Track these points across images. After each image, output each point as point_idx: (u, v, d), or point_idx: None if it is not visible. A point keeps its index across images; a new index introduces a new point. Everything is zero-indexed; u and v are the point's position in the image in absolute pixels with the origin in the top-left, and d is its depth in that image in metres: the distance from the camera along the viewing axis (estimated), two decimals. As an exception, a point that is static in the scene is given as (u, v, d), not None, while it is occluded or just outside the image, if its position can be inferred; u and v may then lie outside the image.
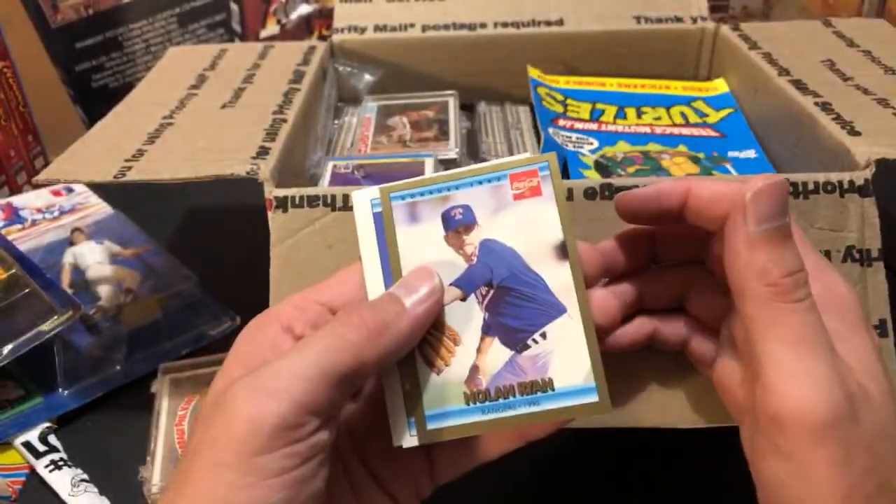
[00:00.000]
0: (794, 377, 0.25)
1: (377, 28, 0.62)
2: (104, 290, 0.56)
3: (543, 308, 0.30)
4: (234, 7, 0.87)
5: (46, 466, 0.46)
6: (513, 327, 0.30)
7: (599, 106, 0.58)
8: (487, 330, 0.30)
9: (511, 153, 0.55)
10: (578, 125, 0.56)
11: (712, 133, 0.54)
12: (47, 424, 0.49)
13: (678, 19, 0.62)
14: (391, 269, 0.30)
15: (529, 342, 0.30)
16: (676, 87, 0.60)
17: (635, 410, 0.36)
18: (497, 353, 0.29)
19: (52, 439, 0.48)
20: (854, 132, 0.42)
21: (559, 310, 0.30)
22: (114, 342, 0.53)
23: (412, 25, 0.62)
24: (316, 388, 0.25)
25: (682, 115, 0.57)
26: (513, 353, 0.30)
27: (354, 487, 0.30)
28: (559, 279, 0.30)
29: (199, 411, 0.27)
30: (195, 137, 0.46)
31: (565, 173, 0.50)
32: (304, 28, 0.91)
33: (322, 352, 0.26)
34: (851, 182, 0.38)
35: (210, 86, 0.54)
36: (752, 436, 0.28)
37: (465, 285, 0.30)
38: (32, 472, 0.47)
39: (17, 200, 0.68)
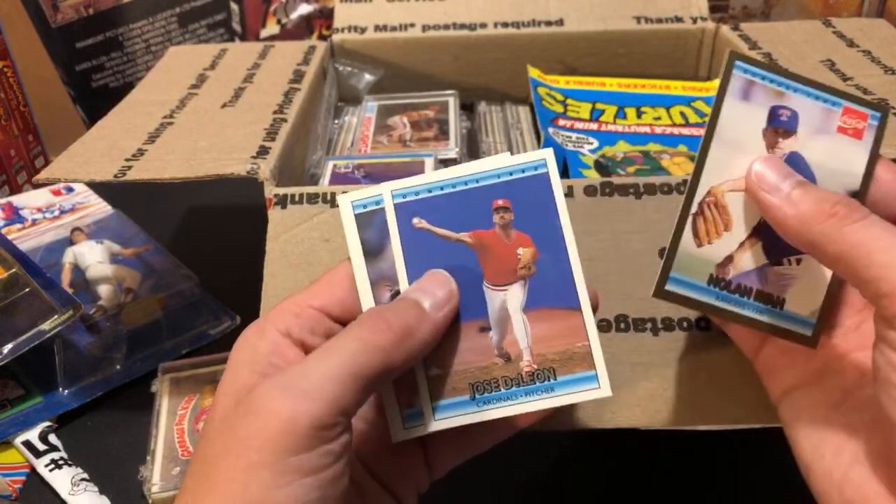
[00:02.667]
0: None
1: (377, 28, 0.63)
2: (104, 290, 0.56)
3: None
4: (234, 7, 0.87)
5: (47, 465, 0.46)
6: (779, 241, 0.30)
7: (599, 106, 0.58)
8: (757, 231, 0.31)
9: (511, 153, 0.55)
10: (578, 125, 0.56)
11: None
12: (47, 424, 0.49)
13: (678, 19, 0.62)
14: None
15: (784, 260, 0.31)
16: (676, 87, 0.60)
17: (637, 412, 0.36)
18: (754, 255, 0.31)
19: (53, 438, 0.48)
20: (854, 132, 0.42)
21: None
22: (114, 342, 0.53)
23: (412, 25, 0.62)
24: (346, 390, 0.25)
25: (682, 115, 0.57)
26: (767, 262, 0.31)
27: (359, 489, 0.30)
28: None
29: (211, 415, 0.27)
30: (195, 137, 0.46)
31: (565, 173, 0.50)
32: (305, 28, 0.91)
33: (352, 354, 0.26)
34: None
35: (210, 85, 0.54)
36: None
37: None
38: (33, 471, 0.47)
39: (17, 200, 0.68)
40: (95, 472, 0.46)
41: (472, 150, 0.57)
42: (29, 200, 0.68)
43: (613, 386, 0.30)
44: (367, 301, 0.30)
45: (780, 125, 0.31)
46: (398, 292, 0.30)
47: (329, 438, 0.25)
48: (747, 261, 0.31)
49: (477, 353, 0.30)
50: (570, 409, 0.36)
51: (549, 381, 0.29)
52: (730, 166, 0.30)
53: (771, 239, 0.31)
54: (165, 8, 0.82)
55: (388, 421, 0.29)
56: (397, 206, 0.30)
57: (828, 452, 0.29)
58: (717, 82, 0.59)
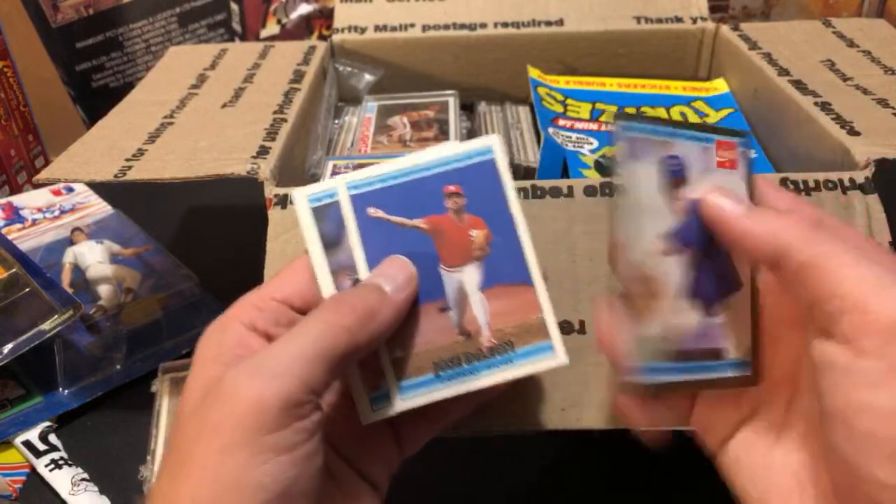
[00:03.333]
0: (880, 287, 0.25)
1: (377, 28, 0.62)
2: (104, 290, 0.56)
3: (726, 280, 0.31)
4: (234, 7, 0.87)
5: (47, 465, 0.46)
6: (704, 288, 0.30)
7: (599, 106, 0.58)
8: (682, 288, 0.30)
9: (511, 153, 0.55)
10: (578, 125, 0.56)
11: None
12: (48, 423, 0.49)
13: (678, 19, 0.62)
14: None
15: (714, 308, 0.31)
16: (676, 87, 0.60)
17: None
18: (689, 314, 0.30)
19: (53, 438, 0.48)
20: (854, 132, 0.42)
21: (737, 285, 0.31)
22: (114, 342, 0.53)
23: (412, 25, 0.62)
24: (313, 369, 0.26)
25: (682, 115, 0.57)
26: (701, 316, 0.30)
27: (332, 474, 0.31)
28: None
29: (180, 410, 0.27)
30: (195, 137, 0.46)
31: (565, 173, 0.50)
32: (304, 28, 0.91)
33: (318, 336, 0.27)
34: (852, 180, 0.38)
35: (210, 85, 0.54)
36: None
37: (674, 240, 0.30)
38: (33, 471, 0.47)
39: (17, 200, 0.68)
40: (95, 472, 0.46)
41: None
42: (29, 200, 0.68)
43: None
44: (328, 291, 0.30)
45: (673, 176, 0.30)
46: (358, 281, 0.30)
47: (300, 416, 0.26)
48: (687, 322, 0.30)
49: (438, 333, 0.30)
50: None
51: (508, 353, 0.31)
52: (642, 233, 0.30)
53: (697, 289, 0.30)
54: (165, 8, 0.82)
55: (356, 404, 0.30)
56: (353, 198, 0.31)
57: (776, 497, 0.28)
58: (717, 82, 0.59)
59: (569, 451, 0.46)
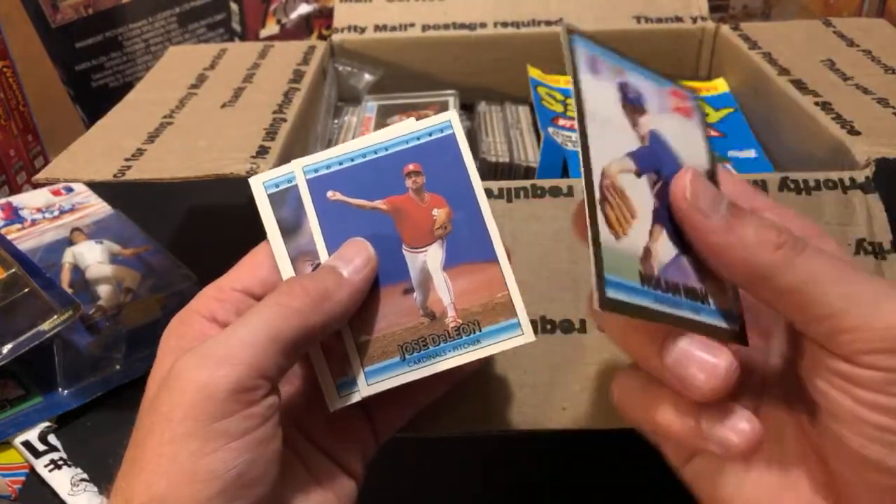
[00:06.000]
0: (871, 301, 0.24)
1: (377, 28, 0.62)
2: (104, 290, 0.56)
3: None
4: (234, 7, 0.87)
5: (46, 466, 0.46)
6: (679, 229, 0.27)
7: (599, 106, 0.58)
8: (657, 218, 0.27)
9: (511, 153, 0.55)
10: (578, 125, 0.55)
11: (712, 133, 0.54)
12: (47, 424, 0.49)
13: (678, 19, 0.62)
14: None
15: (692, 250, 0.27)
16: (676, 87, 0.60)
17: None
18: (666, 246, 0.27)
19: (52, 439, 0.48)
20: (854, 132, 0.42)
21: None
22: (113, 342, 0.53)
23: (412, 25, 0.62)
24: (265, 353, 0.26)
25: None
26: (678, 251, 0.27)
27: (304, 463, 0.31)
28: None
29: (141, 405, 0.27)
30: (195, 137, 0.46)
31: (565, 173, 0.50)
32: (304, 28, 0.91)
33: (268, 319, 0.26)
34: (853, 179, 0.38)
35: (210, 85, 0.54)
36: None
37: (640, 162, 0.28)
38: (32, 471, 0.47)
39: (16, 200, 0.68)
40: (95, 472, 0.46)
41: (472, 149, 0.57)
42: (28, 200, 0.68)
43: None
44: (288, 275, 0.30)
45: (632, 102, 0.29)
46: (318, 265, 0.30)
47: (251, 402, 0.25)
48: (663, 252, 0.27)
49: (403, 315, 0.30)
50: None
51: (474, 333, 0.30)
52: (610, 144, 0.27)
53: (672, 226, 0.27)
54: (165, 8, 0.81)
55: (323, 391, 0.30)
56: (310, 182, 0.31)
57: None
58: (717, 82, 0.59)
59: (568, 451, 0.46)
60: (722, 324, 0.27)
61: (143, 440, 0.25)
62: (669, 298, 0.26)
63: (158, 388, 0.26)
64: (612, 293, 0.24)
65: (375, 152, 0.31)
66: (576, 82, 0.27)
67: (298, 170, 0.31)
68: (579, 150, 0.26)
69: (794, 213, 0.28)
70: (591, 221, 0.25)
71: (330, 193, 0.31)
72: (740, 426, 0.25)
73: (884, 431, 0.23)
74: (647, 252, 0.26)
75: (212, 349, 0.26)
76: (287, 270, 0.30)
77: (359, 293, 0.29)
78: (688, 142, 0.29)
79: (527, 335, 0.30)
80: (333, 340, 0.30)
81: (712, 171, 0.29)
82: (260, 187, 0.31)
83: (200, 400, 0.25)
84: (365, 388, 0.30)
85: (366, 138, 0.31)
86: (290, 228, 0.31)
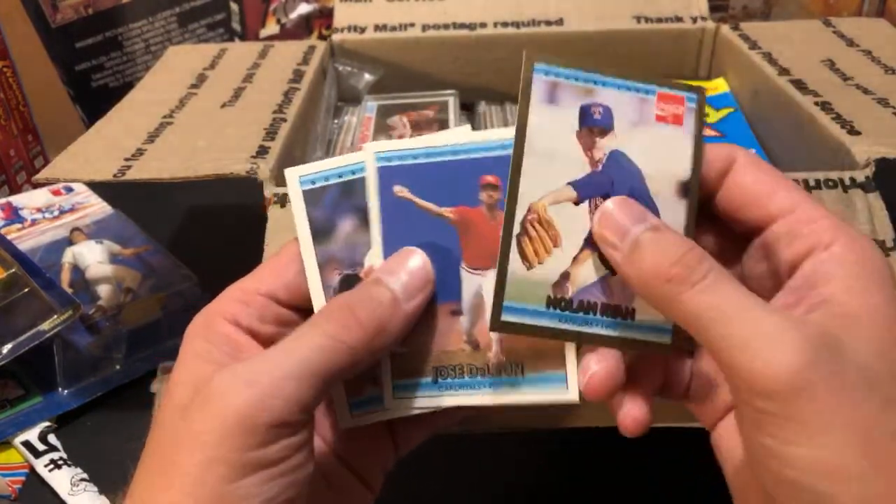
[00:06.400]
0: (749, 344, 0.23)
1: (377, 28, 0.62)
2: (104, 290, 0.56)
3: None
4: (234, 7, 0.87)
5: (46, 466, 0.46)
6: None
7: (599, 106, 0.58)
8: (589, 243, 0.28)
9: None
10: (578, 125, 0.55)
11: (712, 133, 0.54)
12: (47, 424, 0.49)
13: (678, 19, 0.62)
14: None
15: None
16: (676, 87, 0.60)
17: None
18: (591, 269, 0.28)
19: (52, 438, 0.48)
20: (854, 132, 0.42)
21: None
22: (114, 342, 0.53)
23: (412, 25, 0.62)
24: (309, 389, 0.25)
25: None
26: (607, 272, 0.28)
27: (324, 473, 0.30)
28: (673, 217, 0.28)
29: (165, 404, 0.26)
30: (195, 137, 0.46)
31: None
32: (304, 28, 0.91)
33: (317, 352, 0.25)
34: (853, 179, 0.38)
35: (210, 85, 0.54)
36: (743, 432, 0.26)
37: (583, 189, 0.28)
38: (32, 471, 0.47)
39: (16, 200, 0.68)
40: (95, 472, 0.46)
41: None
42: (28, 200, 0.68)
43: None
44: (315, 285, 0.28)
45: (593, 124, 0.28)
46: (347, 276, 0.28)
47: (290, 434, 0.25)
48: (586, 274, 0.28)
49: (445, 337, 0.28)
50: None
51: (516, 376, 0.28)
52: (547, 178, 0.28)
53: None
54: (165, 8, 0.81)
55: (336, 409, 0.29)
56: (381, 170, 0.28)
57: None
58: (717, 82, 0.59)
59: (569, 451, 0.46)
60: (645, 337, 0.28)
61: (171, 453, 0.25)
62: (579, 317, 0.28)
63: (191, 399, 0.25)
64: (506, 317, 0.27)
65: (455, 154, 0.28)
66: (521, 116, 0.28)
67: (371, 155, 0.28)
68: (508, 186, 0.27)
69: (824, 211, 0.27)
70: (501, 257, 0.27)
71: (397, 189, 0.28)
72: (593, 368, 0.27)
73: (796, 486, 0.23)
74: (564, 276, 0.28)
75: (257, 376, 0.25)
76: (314, 279, 0.28)
77: (411, 324, 0.28)
78: (665, 153, 0.29)
79: (571, 393, 0.28)
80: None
81: (690, 181, 0.28)
82: (295, 181, 0.29)
83: (239, 430, 0.24)
84: (391, 402, 0.28)
85: (448, 135, 0.29)
86: (322, 231, 0.28)
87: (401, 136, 0.56)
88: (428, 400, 0.28)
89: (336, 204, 0.29)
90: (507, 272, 0.27)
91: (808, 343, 0.23)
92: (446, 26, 0.62)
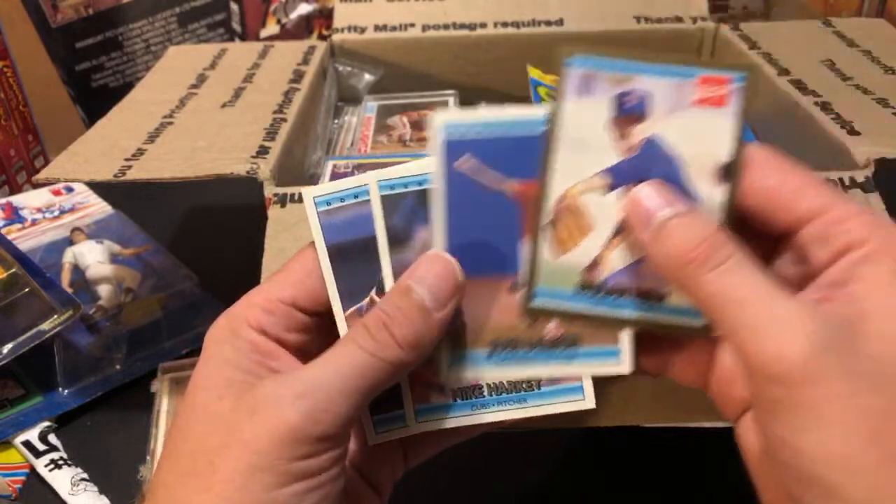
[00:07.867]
0: (763, 328, 0.23)
1: (377, 28, 0.62)
2: (104, 290, 0.56)
3: None
4: (234, 7, 0.87)
5: (46, 465, 0.46)
6: None
7: (599, 106, 0.58)
8: (621, 229, 0.28)
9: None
10: (578, 125, 0.55)
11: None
12: (47, 423, 0.49)
13: (678, 19, 0.62)
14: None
15: None
16: (676, 87, 0.60)
17: (627, 410, 0.36)
18: (622, 254, 0.28)
19: (52, 438, 0.48)
20: (854, 132, 0.42)
21: None
22: (114, 342, 0.53)
23: (412, 25, 0.62)
24: (354, 405, 0.26)
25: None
26: (639, 257, 0.28)
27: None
28: (710, 202, 0.28)
29: (190, 404, 0.27)
30: (195, 137, 0.46)
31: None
32: (304, 28, 0.91)
33: (359, 368, 0.26)
34: (853, 178, 0.38)
35: (210, 85, 0.54)
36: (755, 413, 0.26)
37: (616, 176, 0.28)
38: (32, 471, 0.47)
39: (16, 200, 0.68)
40: (95, 472, 0.46)
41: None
42: (29, 200, 0.68)
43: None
44: (335, 299, 0.29)
45: (627, 112, 0.28)
46: (395, 286, 0.29)
47: (333, 447, 0.26)
48: (617, 259, 0.28)
49: (502, 311, 0.29)
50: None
51: (571, 349, 0.29)
52: (579, 167, 0.28)
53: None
54: (165, 8, 0.82)
55: (364, 422, 0.30)
56: (448, 144, 0.29)
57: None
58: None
59: (572, 450, 0.46)
60: (677, 321, 0.28)
61: (211, 457, 0.25)
62: (610, 301, 0.29)
63: (236, 406, 0.26)
64: (538, 302, 0.29)
65: (525, 127, 0.29)
66: (555, 108, 0.28)
67: (440, 126, 0.29)
68: (539, 176, 0.28)
69: (857, 208, 0.26)
70: (532, 245, 0.28)
71: (464, 158, 0.29)
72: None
73: (811, 478, 0.23)
74: (595, 262, 0.29)
75: (307, 390, 0.26)
76: (335, 296, 0.29)
77: (442, 332, 0.28)
78: (705, 136, 0.28)
79: (624, 365, 0.29)
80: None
81: (731, 164, 0.28)
82: (311, 203, 0.29)
83: (288, 441, 0.25)
84: (446, 371, 0.29)
85: (516, 110, 0.29)
86: (343, 251, 0.29)
87: (401, 136, 0.56)
88: (485, 373, 0.29)
89: (355, 219, 0.29)
90: (537, 258, 0.28)
91: (822, 329, 0.23)
92: (446, 26, 0.62)
